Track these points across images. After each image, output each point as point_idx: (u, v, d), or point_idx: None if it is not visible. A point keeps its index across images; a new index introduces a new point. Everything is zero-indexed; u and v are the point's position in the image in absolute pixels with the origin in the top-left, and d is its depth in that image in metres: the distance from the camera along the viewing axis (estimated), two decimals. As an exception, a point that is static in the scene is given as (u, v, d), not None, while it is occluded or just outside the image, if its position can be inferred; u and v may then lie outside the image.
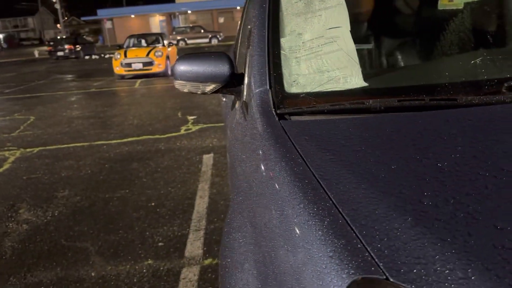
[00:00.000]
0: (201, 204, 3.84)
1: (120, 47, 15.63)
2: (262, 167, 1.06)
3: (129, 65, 14.05)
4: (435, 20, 1.74)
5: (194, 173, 4.65)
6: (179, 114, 7.95)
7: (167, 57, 14.51)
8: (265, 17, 1.63)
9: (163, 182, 4.44)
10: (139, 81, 13.65)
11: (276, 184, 0.94)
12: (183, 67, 1.67)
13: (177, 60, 1.71)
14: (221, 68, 1.61)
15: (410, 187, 0.81)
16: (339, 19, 1.52)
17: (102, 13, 46.77)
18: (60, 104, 10.13)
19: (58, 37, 32.82)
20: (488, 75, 1.25)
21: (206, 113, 7.80)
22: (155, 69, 14.00)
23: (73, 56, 28.45)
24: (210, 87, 1.66)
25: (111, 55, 15.39)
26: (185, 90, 1.74)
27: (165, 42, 15.95)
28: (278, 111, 1.26)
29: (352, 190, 0.82)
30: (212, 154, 5.24)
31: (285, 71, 1.43)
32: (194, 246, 3.13)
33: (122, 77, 14.45)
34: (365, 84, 1.33)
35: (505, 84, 1.16)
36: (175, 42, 25.89)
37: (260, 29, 1.59)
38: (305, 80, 1.40)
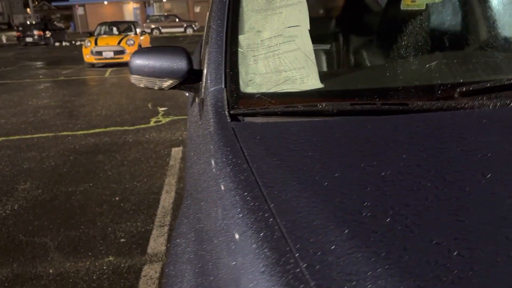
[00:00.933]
0: (167, 199, 3.77)
1: (91, 34, 15.25)
2: (208, 171, 1.03)
3: (99, 53, 13.73)
4: (395, 21, 1.73)
5: (162, 166, 4.57)
6: (150, 105, 7.82)
7: (139, 46, 14.23)
8: (225, 12, 1.58)
9: (129, 175, 4.35)
10: (109, 70, 13.35)
11: (218, 191, 0.91)
12: (139, 61, 1.62)
13: (133, 54, 1.65)
14: (178, 63, 1.56)
15: (351, 197, 0.79)
16: (299, 18, 1.49)
17: (73, -2, 45.54)
18: (27, 92, 9.82)
19: (28, 23, 31.83)
20: (442, 80, 1.24)
21: (178, 105, 7.69)
22: (126, 58, 13.71)
23: (43, 43, 27.62)
24: (167, 83, 1.61)
25: (82, 42, 15.01)
26: (141, 85, 1.68)
27: (138, 30, 15.66)
28: (231, 112, 1.22)
29: (294, 199, 0.79)
30: (181, 148, 5.17)
31: (241, 70, 1.39)
32: (157, 242, 3.07)
33: (92, 65, 14.12)
34: (321, 85, 1.31)
35: (458, 90, 1.15)
36: (148, 30, 25.46)
37: (219, 25, 1.55)
38: (261, 80, 1.37)
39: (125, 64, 14.01)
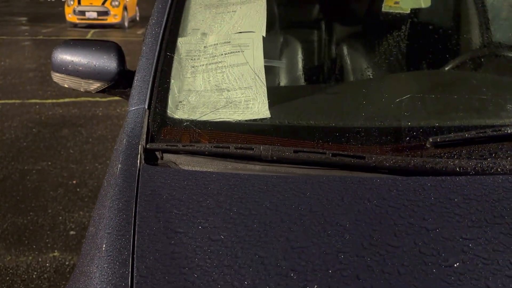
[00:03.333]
0: (128, 185, 3.53)
1: (75, -9, 14.55)
2: (97, 219, 0.82)
3: (82, 13, 13.12)
4: (370, 32, 1.48)
5: (128, 147, 4.30)
6: (127, 74, 7.45)
7: (125, 8, 13.63)
8: (166, 6, 1.30)
9: (91, 155, 4.08)
10: (92, 31, 12.80)
11: (98, 249, 0.70)
12: (61, 57, 1.34)
13: (56, 48, 1.37)
14: (107, 63, 1.28)
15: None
16: (254, 21, 1.22)
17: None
18: (0, 52, 9.33)
19: (12, -27, 30.42)
20: (414, 122, 0.99)
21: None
22: (110, 19, 13.15)
23: (27, -4, 26.51)
24: (94, 86, 1.34)
25: None
26: (65, 86, 1.41)
27: (125, -9, 14.98)
28: (148, 146, 0.97)
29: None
30: (152, 126, 4.89)
31: (174, 85, 1.13)
32: (109, 237, 2.85)
33: (75, 25, 13.51)
34: (267, 115, 1.05)
35: (431, 139, 0.90)
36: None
37: (157, 22, 1.27)
38: (197, 100, 1.11)
39: (109, 26, 13.47)
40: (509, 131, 0.89)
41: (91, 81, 1.32)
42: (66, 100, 5.82)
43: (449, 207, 0.75)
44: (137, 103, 1.07)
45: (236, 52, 1.16)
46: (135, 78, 1.15)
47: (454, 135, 0.91)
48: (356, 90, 1.24)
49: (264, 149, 0.90)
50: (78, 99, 5.87)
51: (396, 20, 1.66)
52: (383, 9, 1.60)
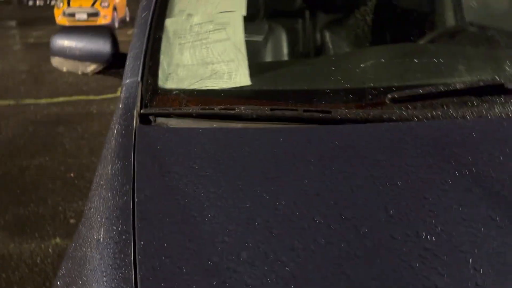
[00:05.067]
0: (124, 176, 3.65)
1: (64, -6, 14.60)
2: (96, 181, 0.93)
3: (72, 15, 13.18)
4: (336, 11, 1.61)
5: (123, 140, 4.41)
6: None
7: (114, 8, 13.71)
8: None
9: (87, 150, 4.19)
10: (83, 33, 12.84)
11: (93, 216, 0.81)
12: (60, 42, 1.47)
13: (54, 35, 1.50)
14: (102, 46, 1.41)
15: (231, 239, 0.69)
16: (235, 1, 1.34)
17: (50, -46, 43.37)
18: (-8, 55, 9.39)
19: (0, -22, 30.36)
20: (377, 82, 1.13)
21: (148, 73, 7.44)
22: (100, 20, 13.20)
23: (15, 1, 26.47)
24: (90, 67, 1.46)
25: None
26: (64, 69, 1.53)
27: (114, -8, 15.03)
28: (142, 111, 1.10)
29: (165, 238, 0.69)
30: (146, 120, 5.00)
31: (163, 60, 1.25)
32: (108, 223, 2.96)
33: (65, 27, 13.56)
34: (248, 83, 1.18)
35: (390, 95, 1.03)
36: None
37: (147, 4, 1.39)
38: (184, 73, 1.23)
39: (100, 27, 13.48)
40: (452, 88, 1.03)
41: (88, 63, 1.45)
42: (61, 99, 5.92)
43: (399, 144, 0.89)
44: (131, 76, 1.20)
45: (218, 29, 1.28)
46: (128, 55, 1.28)
47: (409, 91, 1.04)
48: (329, 61, 1.38)
49: (244, 108, 1.03)
50: (72, 98, 5.97)
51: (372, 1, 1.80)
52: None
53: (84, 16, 13.19)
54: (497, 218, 0.69)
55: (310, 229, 0.70)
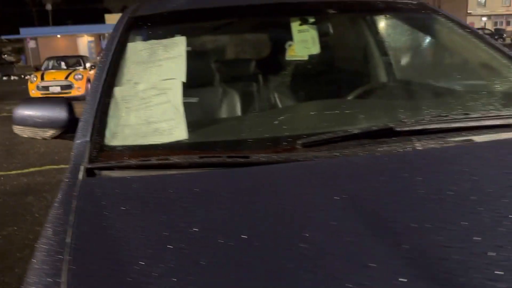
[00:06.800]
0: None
1: (37, 69, 14.98)
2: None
3: (46, 88, 13.48)
4: (266, 73, 1.84)
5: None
6: (92, 141, 7.67)
7: (88, 80, 14.06)
8: (107, 62, 1.62)
9: (56, 217, 4.22)
10: (56, 105, 13.05)
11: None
12: (21, 112, 1.63)
13: (17, 106, 1.67)
14: (59, 113, 1.58)
15: (150, 255, 0.83)
16: (176, 70, 1.55)
17: (25, 32, 44.37)
18: (-36, 130, 9.43)
19: (-26, 57, 30.92)
20: (290, 132, 1.34)
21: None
22: (74, 92, 13.51)
23: (-10, 77, 26.83)
24: (49, 133, 1.62)
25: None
26: (25, 135, 1.69)
27: (88, 64, 15.50)
28: (88, 166, 1.25)
29: (93, 263, 0.84)
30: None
31: (111, 122, 1.42)
32: None
33: (39, 100, 13.77)
34: (185, 137, 1.36)
35: (299, 142, 1.24)
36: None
37: (99, 75, 1.59)
38: (129, 131, 1.40)
39: (73, 99, 13.70)
40: (350, 133, 1.25)
41: (46, 129, 1.61)
42: (31, 169, 5.98)
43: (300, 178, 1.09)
44: (81, 137, 1.36)
45: (161, 94, 1.48)
46: (80, 119, 1.45)
47: (315, 137, 1.25)
48: (255, 117, 1.59)
49: (178, 158, 1.20)
50: (43, 167, 6.04)
51: (299, 64, 2.07)
52: (286, 58, 1.99)
53: (58, 89, 13.49)
54: (362, 229, 0.87)
55: (214, 248, 0.84)
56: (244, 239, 0.85)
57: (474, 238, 0.83)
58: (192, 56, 1.91)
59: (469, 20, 46.38)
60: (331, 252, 0.83)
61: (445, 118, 1.32)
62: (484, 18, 49.86)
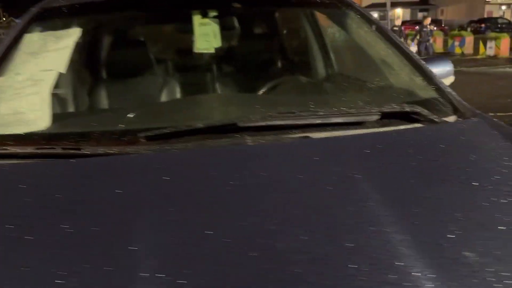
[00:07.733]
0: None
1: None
2: None
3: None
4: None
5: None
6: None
7: None
8: (0, 52, 1.69)
9: None
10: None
11: None
12: None
13: None
14: None
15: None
16: (57, 62, 1.60)
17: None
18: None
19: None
20: (129, 126, 1.40)
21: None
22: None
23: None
24: None
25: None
26: None
27: None
28: None
29: None
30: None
31: None
32: None
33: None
34: (44, 128, 1.41)
35: (139, 135, 1.29)
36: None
37: None
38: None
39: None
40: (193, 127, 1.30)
41: None
42: None
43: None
44: None
45: (34, 84, 1.53)
46: None
47: (157, 131, 1.30)
48: (118, 110, 1.64)
49: (16, 148, 1.27)
50: None
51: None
52: (194, 50, 2.03)
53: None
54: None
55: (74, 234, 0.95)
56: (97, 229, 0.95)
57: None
58: (87, 48, 1.97)
59: (487, 9, 44.99)
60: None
61: (290, 115, 1.35)
62: (504, 7, 48.47)
